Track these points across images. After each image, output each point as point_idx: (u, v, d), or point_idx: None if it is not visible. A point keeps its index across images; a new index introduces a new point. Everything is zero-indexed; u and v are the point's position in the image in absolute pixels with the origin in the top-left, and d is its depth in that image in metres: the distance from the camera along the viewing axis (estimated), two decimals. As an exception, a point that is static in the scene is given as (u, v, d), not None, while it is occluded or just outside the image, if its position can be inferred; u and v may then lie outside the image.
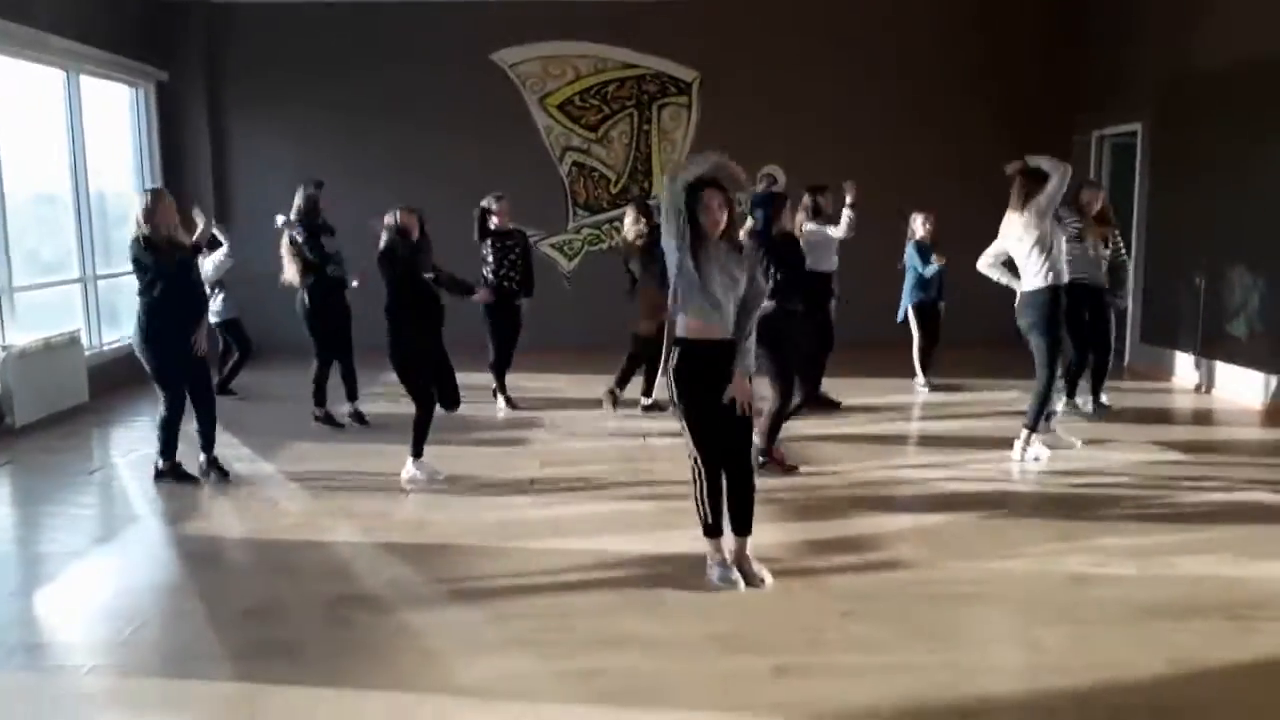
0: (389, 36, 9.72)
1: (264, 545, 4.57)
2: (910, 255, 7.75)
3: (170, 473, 5.41)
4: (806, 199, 6.91)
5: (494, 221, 7.07)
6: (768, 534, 4.55)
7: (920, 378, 7.85)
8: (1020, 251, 5.61)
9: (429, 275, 5.44)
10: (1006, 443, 6.00)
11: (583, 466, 5.68)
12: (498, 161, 9.62)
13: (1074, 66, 9.82)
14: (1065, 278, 5.63)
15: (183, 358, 5.25)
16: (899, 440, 6.36)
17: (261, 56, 9.75)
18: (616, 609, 3.77)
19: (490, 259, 7.08)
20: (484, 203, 7.12)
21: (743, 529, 3.99)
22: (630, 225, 7.00)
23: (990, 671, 3.28)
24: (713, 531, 3.99)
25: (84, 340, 7.67)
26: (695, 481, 3.94)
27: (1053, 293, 5.53)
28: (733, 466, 3.94)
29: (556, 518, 4.83)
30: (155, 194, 5.31)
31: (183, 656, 3.45)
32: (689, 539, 4.13)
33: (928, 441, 6.30)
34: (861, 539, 4.54)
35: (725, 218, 3.85)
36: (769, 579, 3.95)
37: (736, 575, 3.93)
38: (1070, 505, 4.98)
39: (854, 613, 3.72)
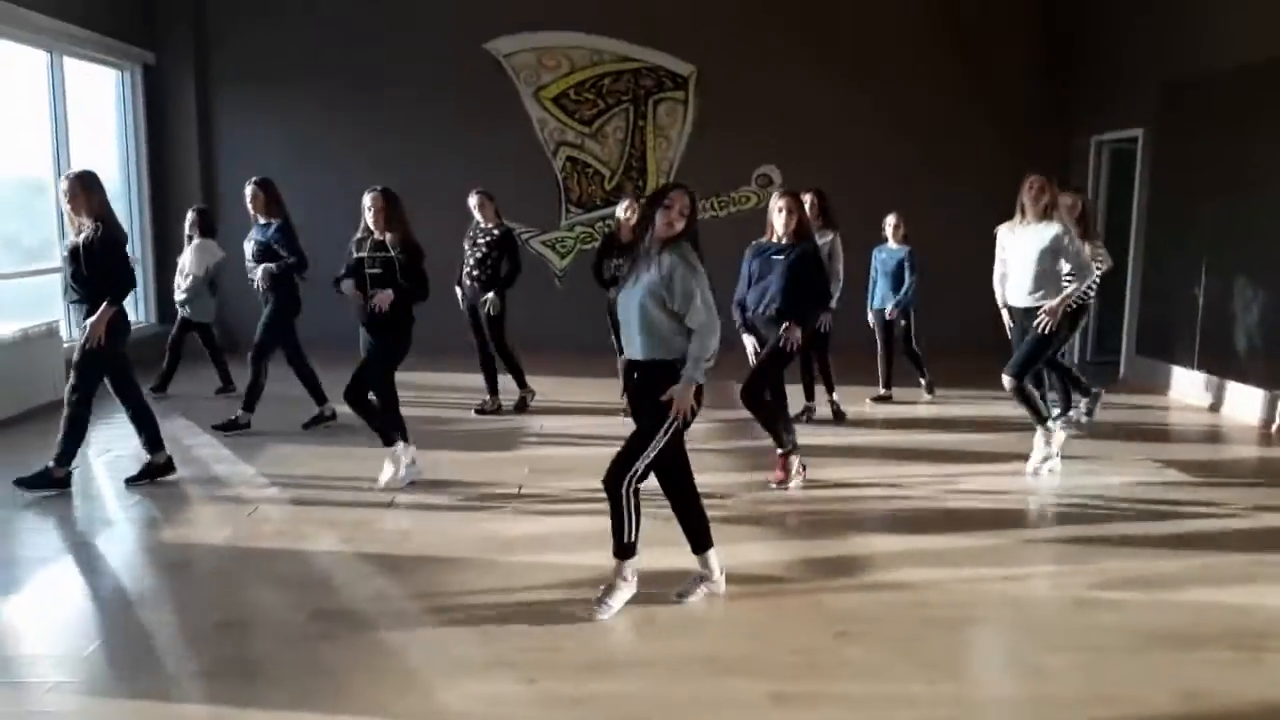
0: (381, 20, 9.54)
1: (242, 554, 4.41)
2: (888, 259, 7.47)
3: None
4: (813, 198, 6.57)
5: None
6: (760, 550, 4.44)
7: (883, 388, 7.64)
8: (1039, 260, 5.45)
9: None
10: (1001, 457, 5.91)
11: (571, 475, 5.53)
12: (489, 153, 9.47)
13: (1073, 71, 9.72)
14: None
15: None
16: (895, 454, 6.22)
17: (251, 39, 9.56)
18: (606, 628, 3.63)
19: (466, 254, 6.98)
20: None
21: (695, 547, 3.88)
22: (623, 210, 6.74)
23: (994, 704, 3.16)
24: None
25: (62, 332, 7.47)
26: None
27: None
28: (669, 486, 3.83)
29: (544, 530, 4.70)
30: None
31: (149, 674, 3.28)
32: (680, 554, 4.00)
33: (923, 455, 6.17)
34: (856, 557, 4.40)
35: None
36: (723, 586, 3.88)
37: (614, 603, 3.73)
38: (1071, 526, 4.87)
39: (849, 634, 3.60)
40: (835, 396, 7.01)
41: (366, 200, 5.27)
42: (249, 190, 6.44)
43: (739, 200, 9.78)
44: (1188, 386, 7.95)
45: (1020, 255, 5.50)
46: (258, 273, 6.37)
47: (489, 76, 9.73)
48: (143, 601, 3.92)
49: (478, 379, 7.15)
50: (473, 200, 6.94)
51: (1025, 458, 5.76)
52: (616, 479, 3.68)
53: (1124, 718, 3.06)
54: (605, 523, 3.76)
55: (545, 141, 9.94)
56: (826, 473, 5.59)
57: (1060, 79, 9.76)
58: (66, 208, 5.07)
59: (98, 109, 8.82)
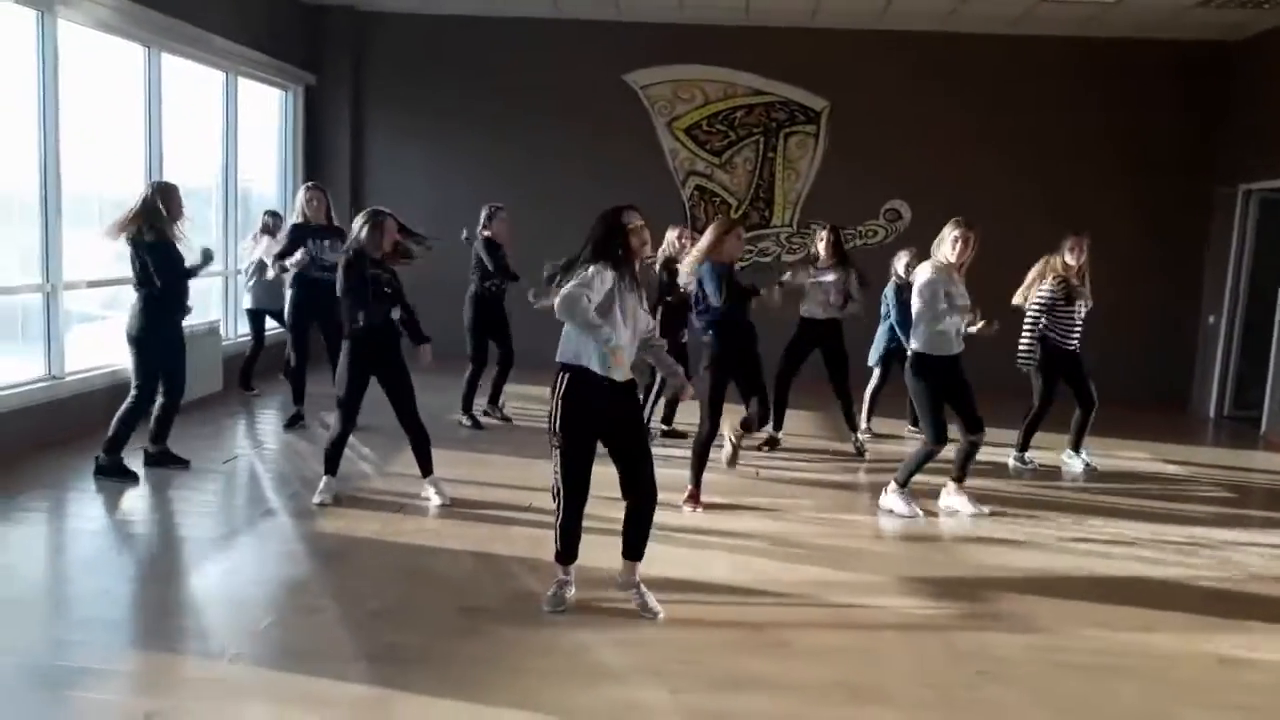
0: (527, 50, 9.94)
1: (392, 548, 4.66)
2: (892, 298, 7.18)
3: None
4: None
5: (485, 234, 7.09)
6: (895, 588, 4.46)
7: (864, 424, 7.32)
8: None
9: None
10: (1128, 514, 5.79)
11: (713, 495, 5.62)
12: (623, 180, 9.71)
13: (1219, 115, 9.41)
14: None
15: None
16: (1005, 499, 6.11)
17: (404, 64, 10.08)
18: (742, 647, 3.72)
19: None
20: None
21: (636, 554, 3.98)
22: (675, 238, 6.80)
23: (1138, 754, 3.13)
24: (562, 558, 4.01)
25: (222, 331, 8.00)
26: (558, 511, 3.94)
27: None
28: (642, 494, 3.93)
29: (678, 553, 4.81)
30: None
31: (316, 654, 3.53)
32: (812, 579, 4.07)
33: (1042, 504, 6.07)
34: (993, 600, 4.38)
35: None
36: (661, 612, 3.91)
37: (569, 597, 3.97)
38: (1209, 585, 4.72)
39: (988, 673, 3.60)
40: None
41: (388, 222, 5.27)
42: (313, 194, 6.82)
43: (867, 234, 9.79)
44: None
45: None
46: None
47: (627, 106, 10.02)
48: (305, 586, 4.20)
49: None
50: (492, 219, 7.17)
51: (1165, 516, 5.61)
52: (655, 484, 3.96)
53: (1278, 780, 2.99)
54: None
55: (675, 170, 10.16)
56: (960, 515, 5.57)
57: (1207, 125, 9.47)
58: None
59: (259, 125, 9.43)
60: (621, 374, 3.77)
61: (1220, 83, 9.44)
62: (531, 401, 7.69)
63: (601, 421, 3.82)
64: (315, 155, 9.93)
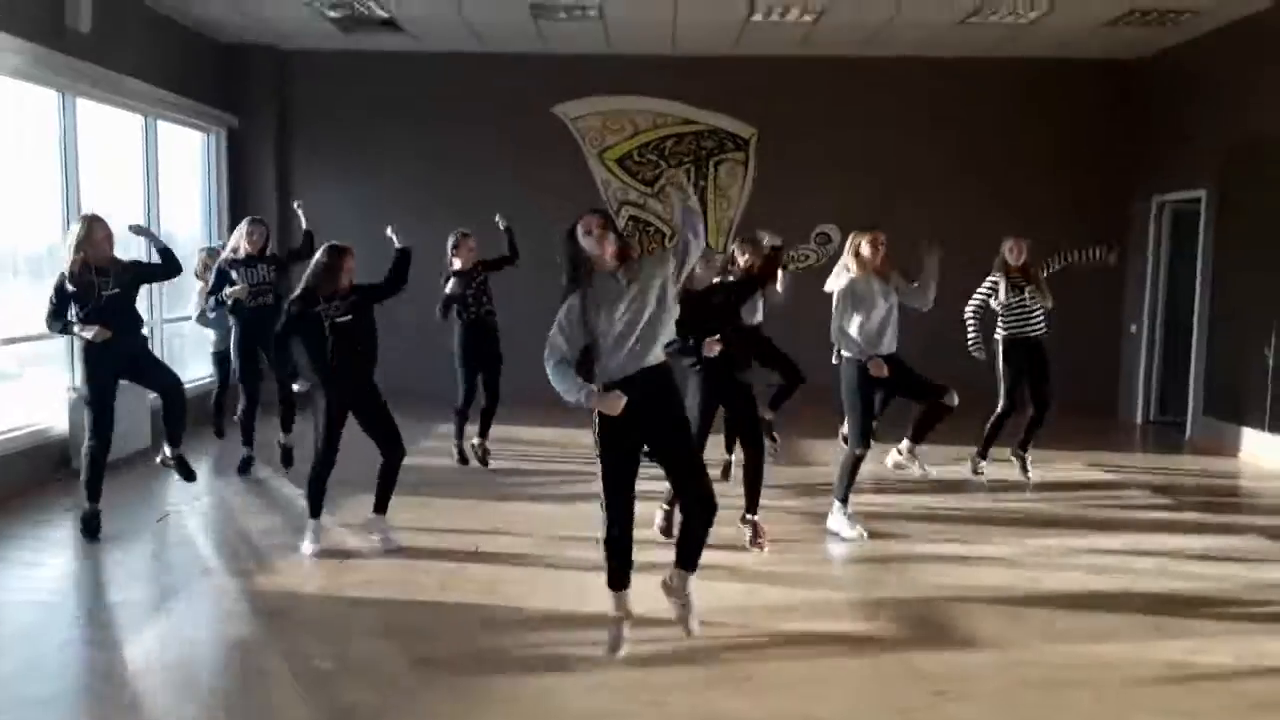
0: (455, 85, 9.89)
1: (339, 602, 4.52)
2: None
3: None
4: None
5: (455, 263, 6.88)
6: (850, 610, 4.48)
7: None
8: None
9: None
10: (1068, 524, 5.93)
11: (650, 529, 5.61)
12: (557, 213, 9.67)
13: (1135, 131, 9.79)
14: None
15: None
16: (951, 517, 6.19)
17: (329, 103, 9.95)
18: (707, 683, 3.69)
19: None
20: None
21: (686, 564, 3.83)
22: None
23: (1102, 767, 3.16)
24: (611, 582, 3.81)
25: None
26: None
27: None
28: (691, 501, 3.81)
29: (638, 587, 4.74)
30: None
31: (267, 717, 3.40)
32: (769, 611, 4.06)
33: (987, 519, 6.17)
34: (945, 618, 4.42)
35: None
36: (697, 630, 3.85)
37: (625, 637, 3.80)
38: (1152, 592, 4.82)
39: (947, 693, 3.62)
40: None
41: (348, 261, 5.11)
42: (254, 228, 6.72)
43: (799, 259, 9.91)
44: (1260, 448, 7.87)
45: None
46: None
47: (557, 139, 10.02)
48: (251, 648, 4.04)
49: (533, 431, 7.22)
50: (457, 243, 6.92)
51: (1105, 524, 5.80)
52: (712, 493, 3.77)
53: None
54: (712, 562, 3.83)
55: (608, 201, 10.17)
56: (893, 529, 5.62)
57: (1124, 140, 9.84)
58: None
59: (182, 169, 9.20)
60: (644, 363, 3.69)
61: (1134, 99, 9.81)
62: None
63: (638, 425, 3.69)
64: (240, 197, 9.72)
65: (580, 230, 3.73)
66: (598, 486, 3.74)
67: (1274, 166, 7.71)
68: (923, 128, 9.88)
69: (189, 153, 9.29)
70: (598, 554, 5.11)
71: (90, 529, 5.34)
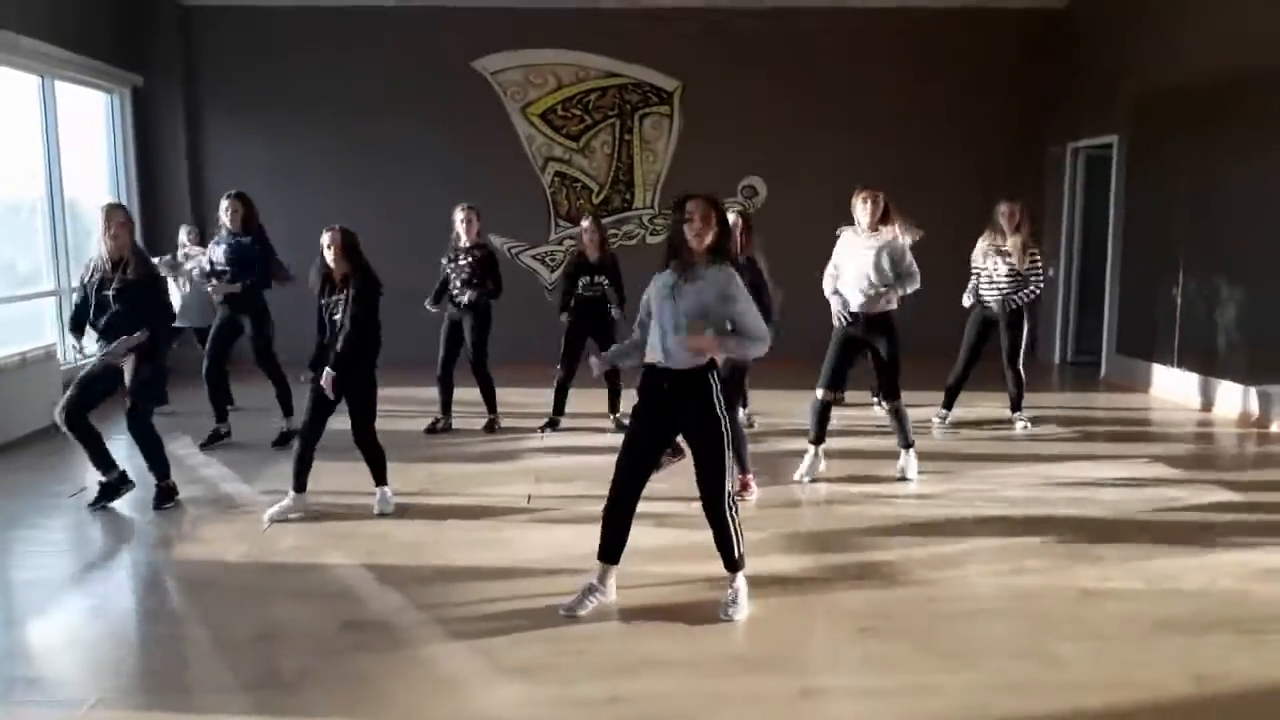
0: (369, 41, 9.63)
1: (261, 569, 4.45)
2: None
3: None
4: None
5: (463, 239, 6.83)
6: (776, 551, 4.55)
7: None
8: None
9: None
10: (989, 459, 6.08)
11: (576, 483, 5.62)
12: (480, 169, 9.59)
13: (1048, 78, 9.96)
14: None
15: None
16: (881, 456, 6.32)
17: (238, 60, 9.61)
18: (634, 632, 3.72)
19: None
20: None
21: (723, 559, 3.90)
22: (586, 230, 6.99)
23: (1016, 690, 3.27)
24: (599, 553, 3.92)
25: (59, 356, 7.45)
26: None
27: None
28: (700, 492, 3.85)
29: (559, 538, 4.77)
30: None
31: (190, 688, 3.34)
32: (700, 560, 4.10)
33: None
34: (868, 556, 4.52)
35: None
36: (736, 618, 3.82)
37: (589, 604, 3.85)
38: (1066, 521, 5.01)
39: (871, 630, 3.71)
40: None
41: (325, 239, 5.02)
42: (230, 203, 6.53)
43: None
44: (1169, 384, 8.17)
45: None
46: (231, 284, 6.49)
47: (478, 94, 9.83)
48: (172, 618, 3.96)
49: (470, 393, 7.13)
50: (459, 215, 6.83)
51: (1020, 458, 5.96)
52: (717, 502, 3.79)
53: (1140, 700, 3.19)
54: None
55: (533, 157, 10.04)
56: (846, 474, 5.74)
57: (1038, 88, 9.99)
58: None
59: (87, 131, 8.81)
60: (676, 362, 3.72)
61: (1049, 47, 9.96)
62: (404, 404, 7.50)
63: (663, 416, 3.80)
64: (148, 160, 9.37)
65: (687, 210, 3.70)
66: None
67: (1183, 113, 7.92)
68: (842, 77, 9.90)
69: (94, 115, 8.90)
70: (525, 511, 5.19)
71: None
